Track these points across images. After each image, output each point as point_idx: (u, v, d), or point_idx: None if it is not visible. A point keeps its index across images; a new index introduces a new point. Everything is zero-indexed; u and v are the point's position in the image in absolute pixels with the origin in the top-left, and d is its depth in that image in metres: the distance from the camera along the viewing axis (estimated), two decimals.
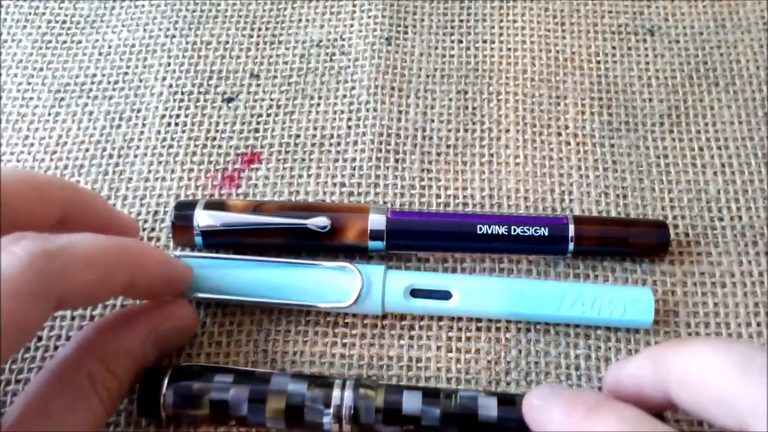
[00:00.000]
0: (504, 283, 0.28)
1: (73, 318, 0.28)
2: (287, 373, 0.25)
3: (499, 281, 0.28)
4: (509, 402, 0.24)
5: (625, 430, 0.20)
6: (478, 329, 0.28)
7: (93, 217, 0.25)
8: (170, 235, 0.30)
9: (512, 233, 0.28)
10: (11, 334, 0.19)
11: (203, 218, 0.28)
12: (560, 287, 0.28)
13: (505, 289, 0.27)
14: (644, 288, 0.28)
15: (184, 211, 0.29)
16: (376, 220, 0.28)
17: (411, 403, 0.24)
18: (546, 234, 0.28)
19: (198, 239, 0.28)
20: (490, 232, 0.28)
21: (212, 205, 0.29)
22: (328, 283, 0.28)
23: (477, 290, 0.28)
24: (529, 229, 0.28)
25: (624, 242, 0.29)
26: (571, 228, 0.28)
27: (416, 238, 0.29)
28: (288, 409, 0.24)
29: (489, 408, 0.24)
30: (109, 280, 0.22)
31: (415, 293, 0.28)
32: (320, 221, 0.28)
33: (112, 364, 0.24)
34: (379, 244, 0.28)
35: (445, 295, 0.28)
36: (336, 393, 0.24)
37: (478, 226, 0.28)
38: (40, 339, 0.28)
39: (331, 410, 0.24)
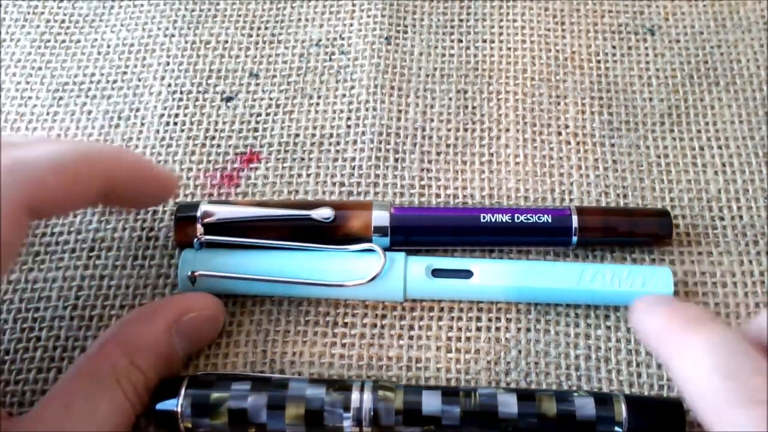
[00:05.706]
0: (524, 263, 0.28)
1: (72, 318, 0.28)
2: (305, 378, 0.25)
3: (519, 261, 0.29)
4: (529, 398, 0.25)
5: (711, 354, 0.21)
6: (478, 329, 0.28)
7: (135, 185, 0.25)
8: (169, 234, 0.30)
9: (516, 221, 0.28)
10: None
11: (206, 213, 0.28)
12: (579, 265, 0.28)
13: (526, 266, 0.28)
14: (662, 267, 0.28)
15: (185, 210, 0.28)
16: (380, 217, 0.28)
17: (431, 403, 0.24)
18: (550, 223, 0.28)
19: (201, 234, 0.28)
20: (493, 221, 0.28)
21: (214, 203, 0.29)
22: (350, 268, 0.27)
23: (498, 268, 0.28)
24: (532, 217, 0.28)
25: (627, 231, 0.29)
26: (575, 219, 0.28)
27: (420, 233, 0.29)
28: (307, 414, 0.24)
29: (509, 405, 0.24)
30: (83, 184, 0.22)
31: (437, 273, 0.28)
32: (324, 212, 0.28)
33: (135, 358, 0.24)
34: (383, 241, 0.28)
35: (466, 274, 0.28)
36: (355, 396, 0.24)
37: (482, 215, 0.28)
38: (39, 339, 0.28)
39: (351, 414, 0.24)
